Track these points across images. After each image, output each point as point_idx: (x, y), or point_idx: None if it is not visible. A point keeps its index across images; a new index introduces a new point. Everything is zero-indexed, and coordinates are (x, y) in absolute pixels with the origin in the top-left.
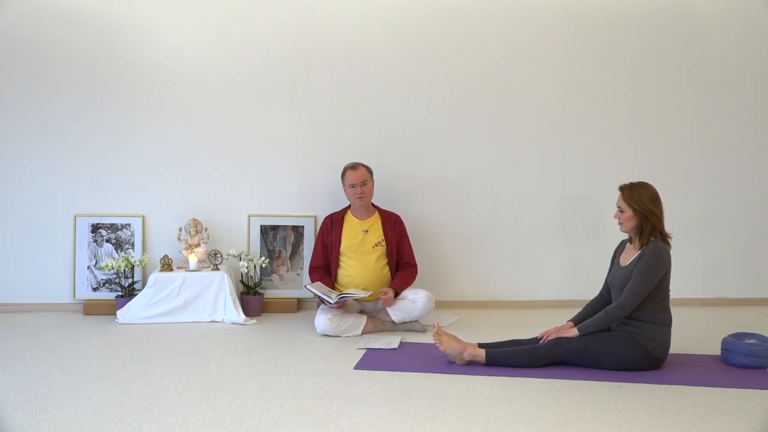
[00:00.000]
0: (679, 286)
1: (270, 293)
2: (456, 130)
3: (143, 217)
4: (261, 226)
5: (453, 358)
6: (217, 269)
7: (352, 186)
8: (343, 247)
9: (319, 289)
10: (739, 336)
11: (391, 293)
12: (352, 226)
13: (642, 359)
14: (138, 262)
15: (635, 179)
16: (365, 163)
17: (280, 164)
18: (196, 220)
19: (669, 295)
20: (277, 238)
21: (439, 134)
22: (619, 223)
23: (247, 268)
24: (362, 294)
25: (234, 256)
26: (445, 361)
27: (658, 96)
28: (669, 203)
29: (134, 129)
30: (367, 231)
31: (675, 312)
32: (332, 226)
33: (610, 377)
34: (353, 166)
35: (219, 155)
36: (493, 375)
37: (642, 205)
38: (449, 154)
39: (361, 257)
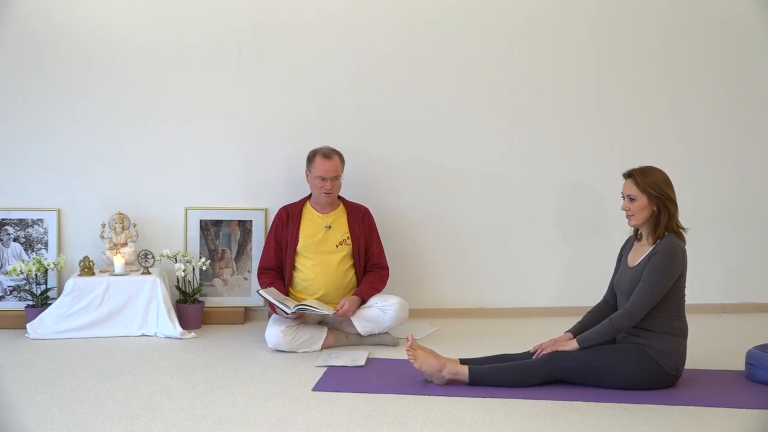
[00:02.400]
0: (696, 290)
1: (212, 301)
2: (436, 109)
3: (59, 211)
4: (201, 221)
5: (430, 377)
6: (148, 273)
7: (322, 179)
8: (300, 246)
9: (273, 295)
10: (766, 348)
11: (349, 305)
12: (311, 221)
13: (653, 376)
14: (53, 266)
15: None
16: (339, 151)
17: (223, 147)
18: (122, 214)
19: (684, 301)
20: (219, 236)
21: (417, 113)
22: (629, 216)
23: (184, 271)
24: (326, 311)
25: (168, 257)
26: (421, 380)
27: (669, 71)
28: (684, 194)
29: (47, 105)
30: (329, 227)
31: (691, 320)
32: (288, 219)
33: (615, 397)
34: (327, 155)
35: (150, 137)
36: (478, 396)
37: (659, 190)
38: (428, 137)
39: (322, 258)
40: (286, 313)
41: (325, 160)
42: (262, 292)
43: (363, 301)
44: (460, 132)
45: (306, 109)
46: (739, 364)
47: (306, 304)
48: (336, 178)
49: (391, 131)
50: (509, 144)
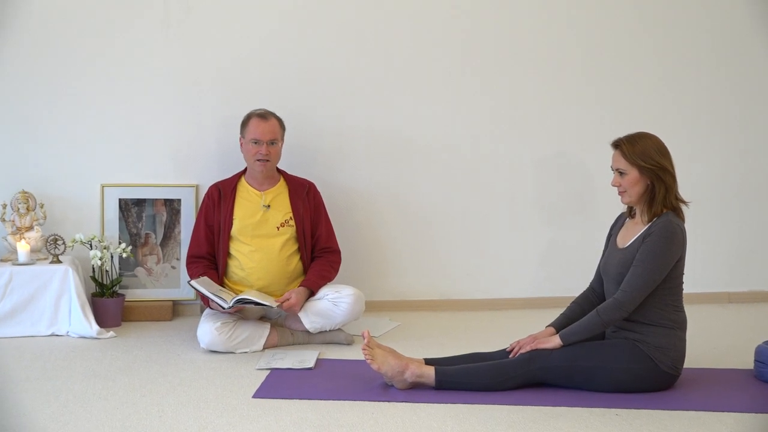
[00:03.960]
0: (697, 277)
1: (134, 294)
2: (395, 69)
3: None
4: (120, 200)
5: (390, 380)
6: (59, 262)
7: (256, 142)
8: (235, 229)
9: (207, 286)
10: None
11: (296, 297)
12: (247, 200)
13: (648, 376)
14: None
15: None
16: (278, 115)
17: (146, 113)
18: (26, 193)
19: (682, 289)
20: (143, 218)
21: (372, 73)
22: (621, 192)
23: (100, 259)
24: (269, 303)
25: (82, 242)
26: (380, 383)
27: (664, 28)
28: (684, 169)
29: None
30: (269, 206)
31: (692, 312)
32: (220, 199)
33: (605, 402)
34: (262, 115)
35: (59, 102)
36: (447, 402)
37: (650, 161)
38: (385, 101)
39: (260, 243)
40: (223, 308)
41: (260, 121)
42: (193, 282)
43: (311, 293)
44: (423, 95)
45: (243, 69)
46: (747, 362)
47: (246, 296)
48: (273, 142)
49: (342, 94)
50: (481, 110)
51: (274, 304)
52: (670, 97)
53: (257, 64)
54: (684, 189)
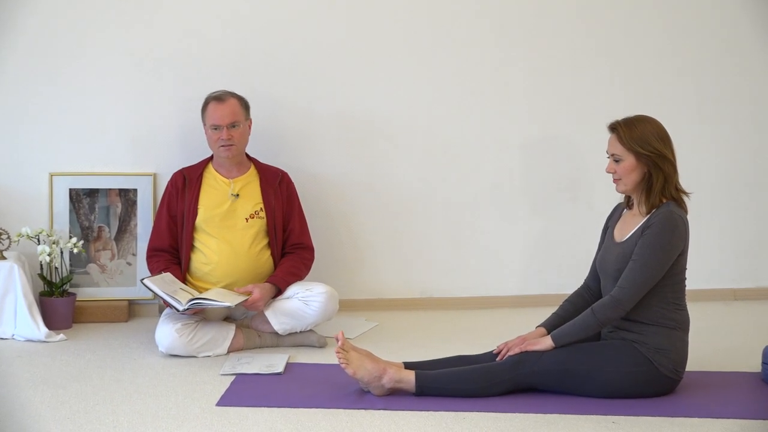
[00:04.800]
0: (701, 273)
1: (86, 293)
2: (371, 46)
3: None
4: (71, 190)
5: (367, 385)
6: (3, 258)
7: (216, 128)
8: (200, 219)
9: (162, 286)
10: None
11: (260, 293)
12: (215, 188)
13: (647, 380)
14: None
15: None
16: (238, 94)
17: (99, 96)
18: None
19: (685, 286)
20: (95, 209)
21: (346, 51)
22: (616, 180)
23: (49, 255)
24: (229, 302)
25: (29, 237)
26: (356, 389)
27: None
28: (685, 156)
29: None
30: (237, 195)
31: (695, 310)
32: (185, 186)
33: (600, 408)
34: (219, 98)
35: (1, 83)
36: (428, 409)
37: (648, 147)
38: (358, 80)
39: (228, 235)
40: (178, 310)
41: (218, 104)
42: (146, 281)
43: (279, 291)
44: (400, 73)
45: (204, 50)
46: (754, 364)
47: (203, 297)
48: (234, 125)
49: (311, 73)
50: (463, 89)
51: (234, 303)
52: (674, 75)
53: (219, 41)
54: (687, 177)
